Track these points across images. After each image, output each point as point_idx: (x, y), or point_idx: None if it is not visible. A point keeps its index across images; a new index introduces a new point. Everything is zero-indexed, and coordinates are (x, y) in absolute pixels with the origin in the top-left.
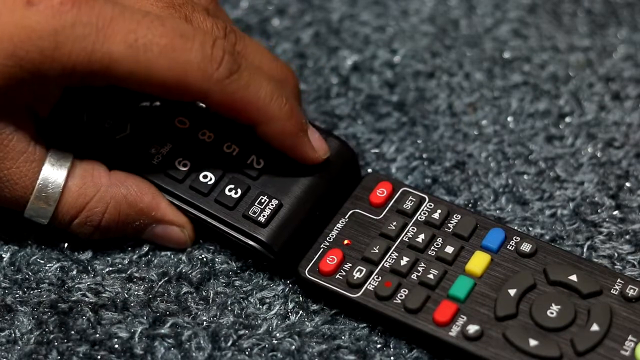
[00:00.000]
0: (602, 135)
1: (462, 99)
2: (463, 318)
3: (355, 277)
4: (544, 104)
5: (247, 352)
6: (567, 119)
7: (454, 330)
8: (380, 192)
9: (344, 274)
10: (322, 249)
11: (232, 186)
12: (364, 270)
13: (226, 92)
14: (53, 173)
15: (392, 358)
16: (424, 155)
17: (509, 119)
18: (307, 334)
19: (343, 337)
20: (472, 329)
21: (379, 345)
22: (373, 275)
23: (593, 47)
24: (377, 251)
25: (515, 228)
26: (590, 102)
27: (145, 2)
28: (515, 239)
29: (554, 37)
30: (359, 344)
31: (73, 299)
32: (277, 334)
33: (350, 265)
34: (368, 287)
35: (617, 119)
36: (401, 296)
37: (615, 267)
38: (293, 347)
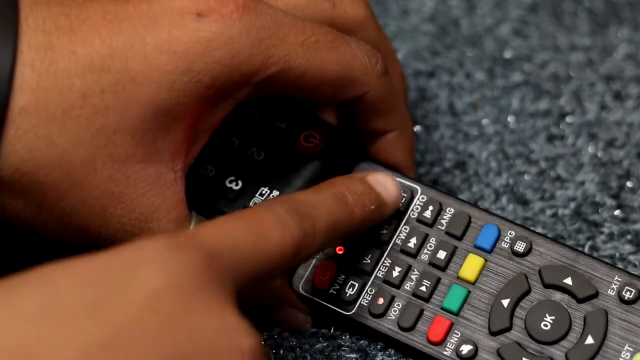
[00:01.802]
0: (603, 134)
1: (462, 98)
2: (457, 334)
3: (348, 294)
4: (544, 103)
5: None
6: (568, 119)
7: (448, 350)
8: None
9: (338, 288)
10: (315, 260)
11: (233, 178)
12: (357, 284)
13: (383, 89)
14: None
15: (393, 358)
16: (425, 155)
17: (510, 118)
18: (307, 334)
19: (344, 337)
20: (466, 349)
21: (379, 345)
22: (366, 289)
23: (594, 46)
24: (369, 261)
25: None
26: (591, 101)
27: None
28: (510, 233)
29: (554, 37)
30: (360, 343)
31: None
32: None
33: (343, 277)
34: (362, 303)
35: (618, 118)
36: (395, 311)
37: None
38: (294, 345)
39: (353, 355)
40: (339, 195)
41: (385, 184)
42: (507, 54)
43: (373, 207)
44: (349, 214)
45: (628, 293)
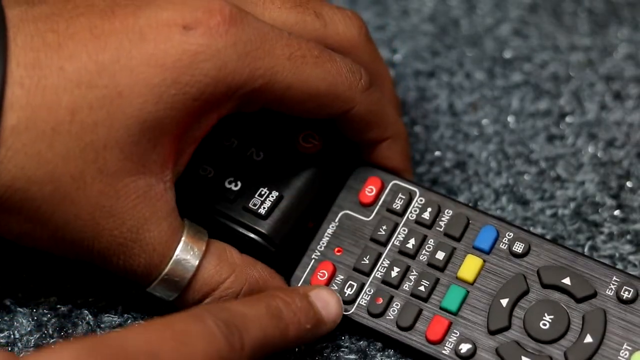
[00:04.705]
0: (603, 134)
1: (462, 98)
2: (456, 333)
3: (346, 294)
4: (544, 103)
5: None
6: (568, 119)
7: (447, 349)
8: (369, 190)
9: (336, 288)
10: (313, 261)
11: (232, 179)
12: (355, 284)
13: (369, 102)
14: (190, 247)
15: (392, 359)
16: (424, 155)
17: (510, 118)
18: None
19: (343, 338)
20: (465, 347)
21: (378, 346)
22: (365, 289)
23: (594, 46)
24: (367, 262)
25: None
26: (591, 101)
27: (273, 5)
28: (508, 235)
29: (554, 37)
30: (360, 344)
31: (72, 300)
32: None
33: (342, 278)
34: (360, 303)
35: (618, 118)
36: (393, 311)
37: (616, 267)
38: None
39: (352, 356)
40: (274, 310)
41: (328, 301)
42: (507, 54)
43: (309, 326)
44: (282, 331)
45: (626, 293)
